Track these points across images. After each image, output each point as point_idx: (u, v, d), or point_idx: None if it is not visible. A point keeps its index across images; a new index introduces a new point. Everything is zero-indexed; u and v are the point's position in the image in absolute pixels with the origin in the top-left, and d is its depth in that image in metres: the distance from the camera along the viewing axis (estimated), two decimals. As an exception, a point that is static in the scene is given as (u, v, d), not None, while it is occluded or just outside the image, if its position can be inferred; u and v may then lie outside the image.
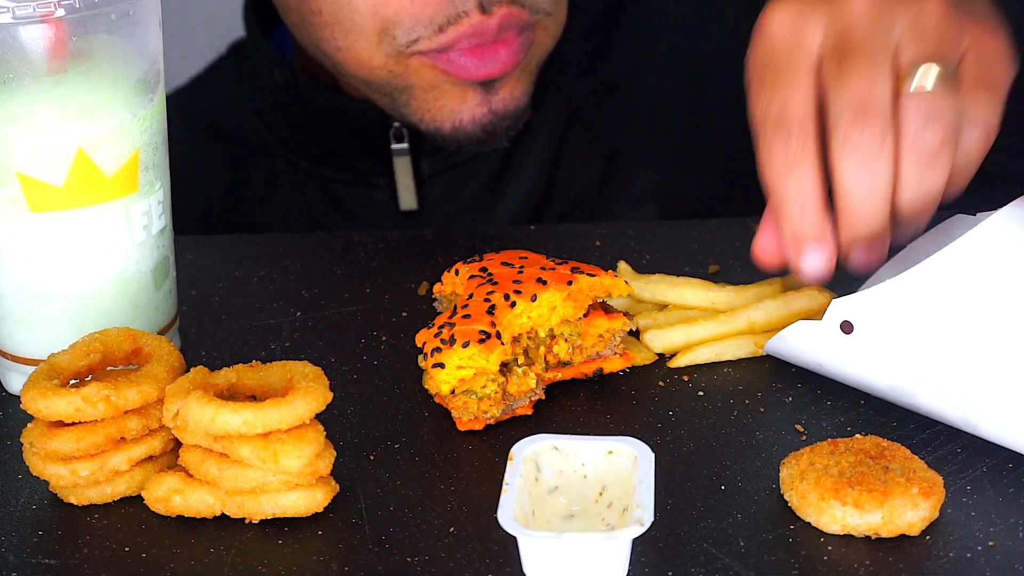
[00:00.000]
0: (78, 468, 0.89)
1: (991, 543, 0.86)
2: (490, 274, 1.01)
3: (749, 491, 0.91)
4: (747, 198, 1.40)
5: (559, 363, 1.01)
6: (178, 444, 0.92)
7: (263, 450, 0.86)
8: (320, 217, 1.42)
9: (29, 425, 0.91)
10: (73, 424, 0.89)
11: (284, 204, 1.45)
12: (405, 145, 1.36)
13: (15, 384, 1.03)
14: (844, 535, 0.86)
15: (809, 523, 0.87)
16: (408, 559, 0.86)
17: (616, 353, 1.01)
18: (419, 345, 0.97)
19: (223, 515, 0.89)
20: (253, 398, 0.90)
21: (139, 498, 0.91)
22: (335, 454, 0.89)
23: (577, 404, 1.00)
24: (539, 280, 0.99)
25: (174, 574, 0.85)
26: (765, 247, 0.97)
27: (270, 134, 1.44)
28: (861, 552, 0.85)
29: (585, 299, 0.99)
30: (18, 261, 0.99)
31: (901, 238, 0.95)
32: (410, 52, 1.23)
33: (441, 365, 0.95)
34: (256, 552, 0.87)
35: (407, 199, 1.39)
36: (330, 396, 0.88)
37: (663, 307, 1.08)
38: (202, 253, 1.23)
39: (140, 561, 0.87)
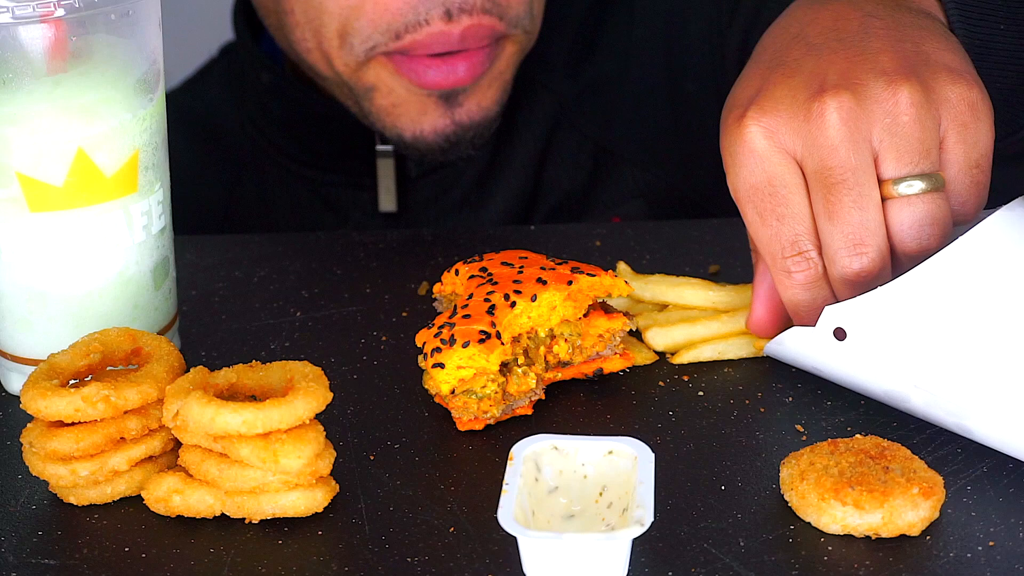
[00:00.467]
0: (78, 468, 0.89)
1: (991, 543, 0.86)
2: (490, 274, 1.01)
3: (749, 491, 0.90)
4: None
5: (559, 363, 1.01)
6: (178, 444, 0.92)
7: (263, 450, 0.86)
8: (311, 218, 1.43)
9: (29, 425, 0.91)
10: (73, 424, 0.89)
11: (275, 205, 1.45)
12: (389, 148, 1.36)
13: (15, 384, 1.03)
14: (844, 535, 0.86)
15: (809, 523, 0.87)
16: (408, 559, 0.86)
17: (616, 353, 1.01)
18: (419, 345, 0.97)
19: (223, 515, 0.89)
20: (253, 398, 0.90)
21: (139, 498, 0.91)
22: (335, 454, 0.89)
23: (577, 404, 1.00)
24: (539, 280, 0.99)
25: (174, 574, 0.85)
26: (761, 324, 1.02)
27: (259, 136, 1.44)
28: (861, 552, 0.85)
29: (585, 299, 0.99)
30: (18, 261, 0.99)
31: None
32: (367, 57, 1.24)
33: (441, 365, 0.95)
34: (256, 552, 0.87)
35: (387, 201, 1.39)
36: (330, 396, 0.88)
37: (662, 307, 1.08)
38: (202, 253, 1.23)
39: (140, 561, 0.87)
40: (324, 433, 0.88)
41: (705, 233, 1.22)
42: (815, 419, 0.97)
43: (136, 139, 0.99)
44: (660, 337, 1.04)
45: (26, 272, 0.99)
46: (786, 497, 0.89)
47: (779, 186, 0.94)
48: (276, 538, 0.88)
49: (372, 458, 0.95)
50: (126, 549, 0.88)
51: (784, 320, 1.01)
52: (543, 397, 1.00)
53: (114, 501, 0.91)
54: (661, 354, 1.05)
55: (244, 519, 0.89)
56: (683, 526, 0.87)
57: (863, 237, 0.93)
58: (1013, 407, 0.89)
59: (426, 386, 0.97)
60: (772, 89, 0.95)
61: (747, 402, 0.99)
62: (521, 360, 0.98)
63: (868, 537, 0.86)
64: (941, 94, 0.93)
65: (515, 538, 0.83)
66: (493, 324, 0.96)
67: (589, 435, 0.88)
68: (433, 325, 0.97)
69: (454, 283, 1.04)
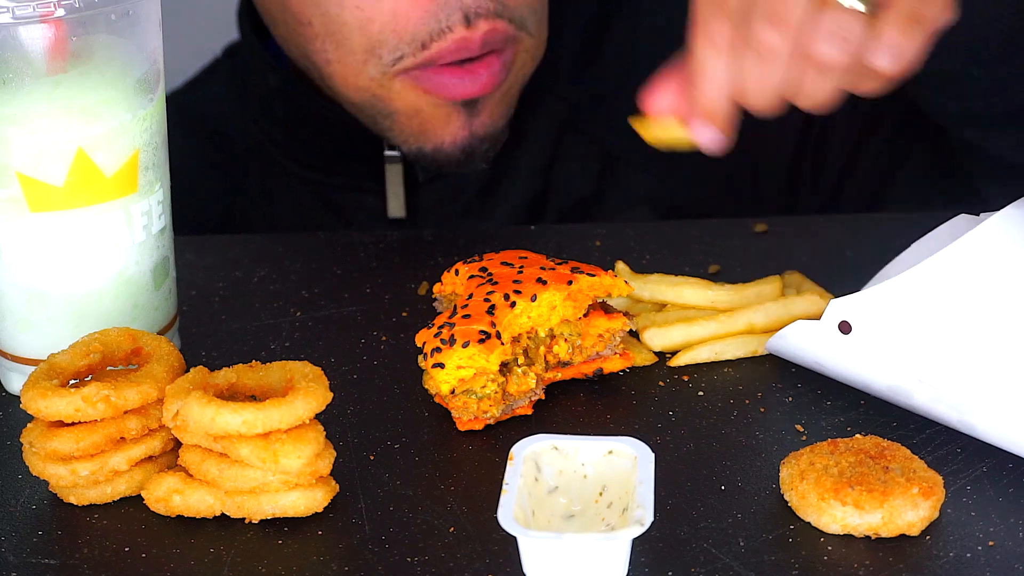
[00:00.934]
0: (78, 468, 0.89)
1: (991, 543, 0.86)
2: (490, 274, 1.01)
3: (749, 491, 0.90)
4: (740, 200, 1.40)
5: (559, 363, 1.01)
6: (178, 444, 0.92)
7: (263, 450, 0.86)
8: (315, 221, 1.42)
9: (29, 425, 0.91)
10: (73, 424, 0.89)
11: (279, 208, 1.45)
12: (397, 153, 1.36)
13: (15, 384, 1.03)
14: (844, 535, 0.86)
15: (809, 523, 0.87)
16: (408, 559, 0.86)
17: (616, 353, 1.01)
18: (419, 345, 0.97)
19: (223, 515, 0.89)
20: (253, 398, 0.90)
21: (139, 498, 0.91)
22: (335, 454, 0.89)
23: (577, 404, 1.00)
24: (539, 280, 0.99)
25: (174, 574, 0.85)
26: (661, 101, 1.00)
27: (264, 138, 1.44)
28: (861, 552, 0.85)
29: (585, 299, 0.99)
30: (18, 261, 0.99)
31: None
32: (395, 72, 1.24)
33: (441, 365, 0.95)
34: (256, 552, 0.87)
35: (395, 207, 1.39)
36: (330, 396, 0.88)
37: (661, 307, 1.08)
38: (202, 253, 1.23)
39: (140, 561, 0.87)
40: (324, 433, 0.88)
41: (705, 233, 1.23)
42: (815, 419, 0.97)
43: (136, 139, 0.99)
44: (658, 338, 1.04)
45: (26, 272, 0.99)
46: (786, 497, 0.89)
47: None
48: (276, 538, 0.88)
49: (372, 458, 0.95)
50: (126, 549, 0.88)
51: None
52: (543, 397, 1.00)
53: (114, 501, 0.91)
54: (661, 354, 1.05)
55: (244, 519, 0.89)
56: (683, 526, 0.87)
57: (779, 8, 0.91)
58: (1017, 403, 0.89)
59: (426, 386, 0.97)
60: None
61: (747, 402, 0.99)
62: (521, 360, 0.98)
63: (868, 537, 0.86)
64: None
65: (515, 538, 0.83)
66: (493, 324, 0.96)
67: (589, 435, 0.88)
68: (433, 325, 0.97)
69: (454, 283, 1.04)
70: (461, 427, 0.97)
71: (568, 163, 1.42)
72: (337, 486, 0.90)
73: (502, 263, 1.02)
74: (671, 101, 1.00)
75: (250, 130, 1.45)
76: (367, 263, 1.21)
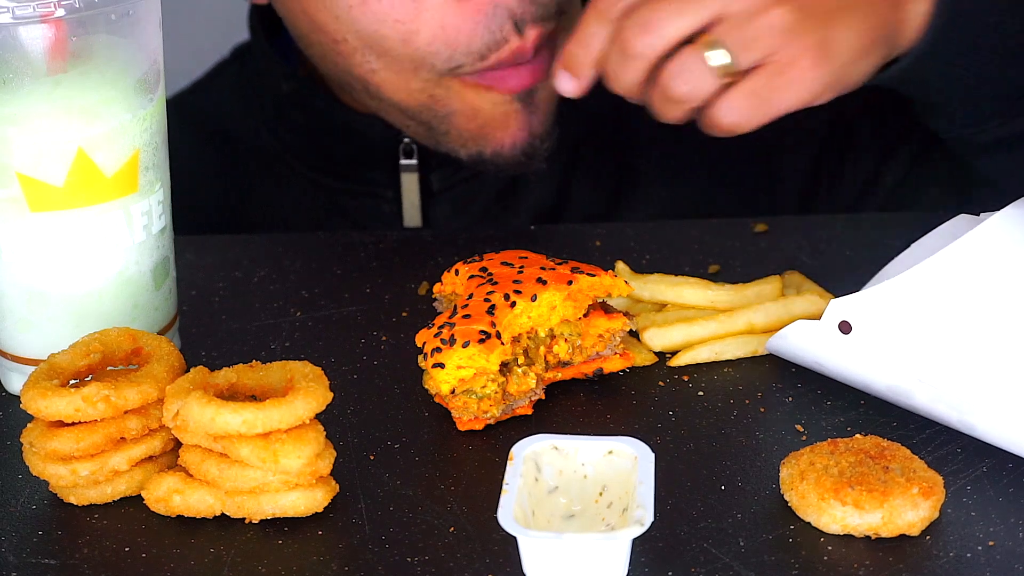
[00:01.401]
0: (78, 468, 0.89)
1: (991, 543, 0.86)
2: (490, 274, 1.01)
3: (749, 491, 0.90)
4: (755, 213, 1.39)
5: (559, 363, 1.01)
6: (178, 444, 0.92)
7: (263, 450, 0.86)
8: (326, 226, 1.42)
9: (29, 425, 0.91)
10: (73, 424, 0.89)
11: (290, 212, 1.44)
12: (414, 161, 1.35)
13: (15, 384, 1.03)
14: (844, 535, 0.86)
15: (809, 523, 0.87)
16: (408, 559, 0.86)
17: (616, 353, 1.01)
18: (419, 345, 0.97)
19: (223, 515, 0.89)
20: (253, 398, 0.90)
21: (139, 498, 0.91)
22: (335, 454, 0.89)
23: (577, 404, 1.00)
24: (539, 280, 0.99)
25: (174, 574, 0.85)
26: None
27: (275, 142, 1.43)
28: (861, 552, 0.85)
29: (585, 299, 0.99)
30: (18, 261, 0.99)
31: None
32: (452, 75, 1.23)
33: (441, 365, 0.95)
34: (256, 552, 0.87)
35: (411, 216, 1.38)
36: (330, 396, 0.88)
37: (661, 307, 1.08)
38: (202, 253, 1.23)
39: (140, 561, 0.87)
40: (324, 433, 0.88)
41: (705, 233, 1.22)
42: (815, 419, 0.97)
43: (136, 139, 0.99)
44: (658, 338, 1.04)
45: (26, 272, 0.99)
46: (786, 497, 0.89)
47: None
48: (276, 538, 0.88)
49: (372, 458, 0.95)
50: (126, 549, 0.88)
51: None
52: (543, 397, 1.00)
53: (114, 501, 0.91)
54: (661, 354, 1.05)
55: (244, 519, 0.89)
56: (683, 526, 0.87)
57: (652, 26, 1.03)
58: (1017, 403, 0.89)
59: (426, 386, 0.97)
60: None
61: (747, 402, 1.00)
62: (521, 360, 0.98)
63: (868, 537, 0.86)
64: (801, 41, 1.03)
65: (515, 538, 0.83)
66: (493, 324, 0.96)
67: (589, 435, 0.88)
68: (433, 325, 0.97)
69: (454, 283, 1.04)
70: (461, 427, 0.97)
71: (583, 175, 1.42)
72: (337, 486, 0.90)
73: (502, 263, 1.02)
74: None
75: (260, 133, 1.44)
76: (367, 263, 1.21)
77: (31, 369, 0.98)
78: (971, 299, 0.90)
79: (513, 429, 0.97)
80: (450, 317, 0.97)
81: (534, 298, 0.98)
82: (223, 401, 0.86)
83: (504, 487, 0.83)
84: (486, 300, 0.97)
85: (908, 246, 1.05)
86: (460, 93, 1.24)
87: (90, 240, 0.99)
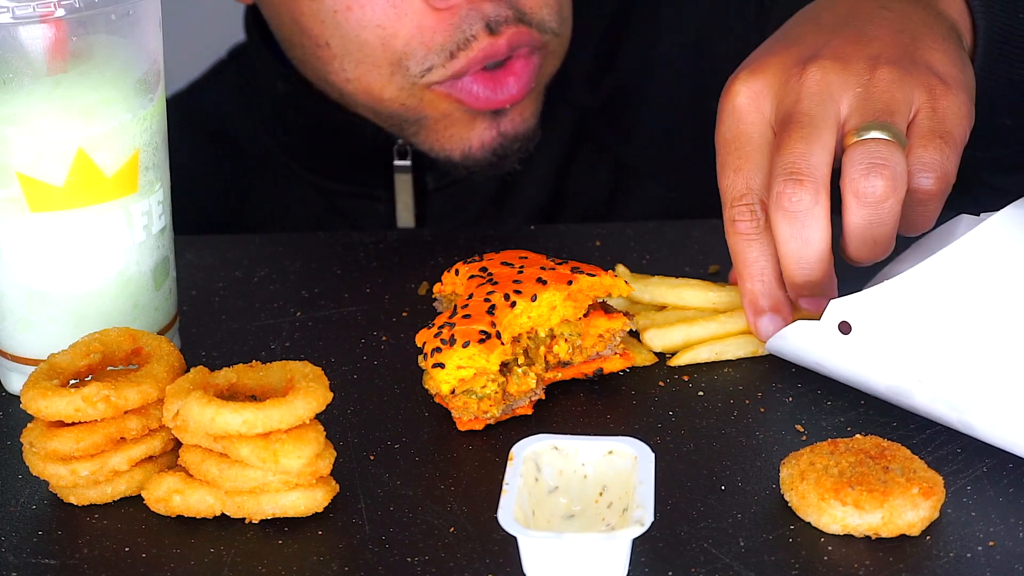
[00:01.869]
0: (78, 468, 0.89)
1: (991, 543, 0.86)
2: (490, 274, 1.01)
3: (749, 491, 0.90)
4: None
5: (559, 363, 1.01)
6: (178, 444, 0.92)
7: (263, 450, 0.86)
8: (324, 226, 1.42)
9: (29, 425, 0.91)
10: (73, 424, 0.89)
11: (287, 212, 1.45)
12: (407, 163, 1.36)
13: (15, 384, 1.03)
14: (844, 535, 0.86)
15: (809, 523, 0.87)
16: (408, 559, 0.86)
17: (616, 353, 1.01)
18: (419, 345, 0.97)
19: (223, 515, 0.89)
20: (253, 398, 0.90)
21: (139, 498, 0.91)
22: (335, 454, 0.89)
23: (577, 404, 1.00)
24: (539, 280, 0.99)
25: (174, 574, 0.85)
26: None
27: (272, 143, 1.43)
28: (861, 552, 0.85)
29: (585, 299, 0.99)
30: (18, 261, 0.99)
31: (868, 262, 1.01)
32: (424, 83, 1.23)
33: (441, 365, 0.95)
34: (256, 552, 0.87)
35: (405, 217, 1.39)
36: (330, 396, 0.88)
37: (661, 308, 1.08)
38: (202, 253, 1.23)
39: (140, 561, 0.87)
40: (324, 433, 0.88)
41: (705, 233, 1.22)
42: (815, 419, 0.97)
43: (136, 139, 0.99)
44: (658, 338, 1.04)
45: (26, 272, 0.99)
46: (786, 497, 0.89)
47: (745, 141, 1.00)
48: (276, 538, 0.88)
49: (372, 458, 0.95)
50: (126, 549, 0.88)
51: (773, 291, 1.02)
52: (543, 397, 1.00)
53: (114, 501, 0.91)
54: (661, 354, 1.05)
55: (244, 519, 0.89)
56: (683, 526, 0.87)
57: (800, 166, 0.95)
58: (1017, 403, 0.89)
59: (426, 386, 0.97)
60: (768, 57, 1.01)
61: (747, 402, 1.00)
62: (521, 360, 0.98)
63: (868, 537, 0.86)
64: (920, 80, 0.98)
65: (515, 538, 0.83)
66: (493, 324, 0.96)
67: (589, 435, 0.88)
68: (433, 325, 0.97)
69: (454, 283, 1.04)
70: (461, 427, 0.97)
71: (580, 172, 1.42)
72: (337, 486, 0.90)
73: (502, 263, 1.02)
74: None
75: (257, 134, 1.44)
76: (367, 263, 1.21)
77: (31, 369, 0.98)
78: (971, 299, 0.90)
79: (513, 429, 0.97)
80: (450, 317, 0.97)
81: (534, 298, 0.98)
82: (223, 401, 0.86)
83: (504, 487, 0.83)
84: (486, 300, 0.98)
85: (908, 246, 1.05)
86: (433, 103, 1.25)
87: (90, 240, 0.99)
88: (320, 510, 0.89)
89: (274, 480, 0.87)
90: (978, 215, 0.99)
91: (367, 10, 1.21)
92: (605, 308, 1.02)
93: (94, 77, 0.96)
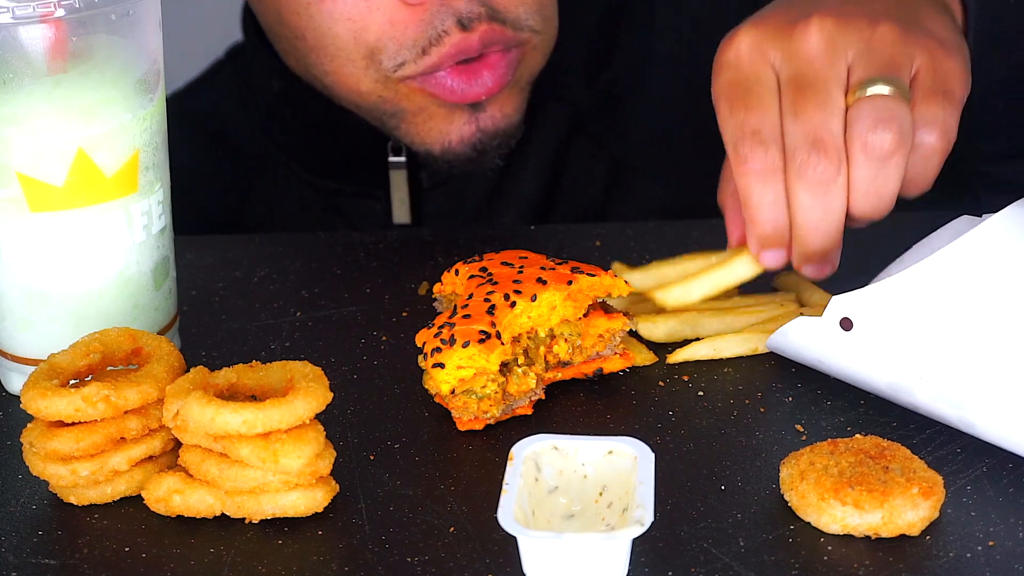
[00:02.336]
0: (78, 468, 0.89)
1: (991, 543, 0.86)
2: (490, 274, 1.01)
3: (749, 491, 0.90)
4: None
5: (559, 363, 1.01)
6: (178, 444, 0.92)
7: (263, 450, 0.86)
8: (320, 226, 1.42)
9: (29, 425, 0.91)
10: (73, 424, 0.89)
11: (285, 212, 1.45)
12: (402, 159, 1.36)
13: (15, 384, 1.03)
14: (844, 535, 0.86)
15: (809, 523, 0.87)
16: (408, 559, 0.86)
17: (616, 353, 1.01)
18: (419, 345, 0.97)
19: (223, 515, 0.89)
20: (253, 398, 0.90)
21: (139, 498, 0.91)
22: (335, 454, 0.89)
23: (577, 404, 1.00)
24: (539, 280, 0.98)
25: (174, 574, 0.85)
26: (737, 237, 1.06)
27: (269, 142, 1.43)
28: (861, 552, 0.85)
29: (585, 299, 0.99)
30: (18, 261, 0.99)
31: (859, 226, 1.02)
32: (398, 77, 1.24)
33: (441, 365, 0.95)
34: (256, 552, 0.87)
35: (400, 213, 1.39)
36: (330, 396, 0.88)
37: (660, 311, 1.08)
38: (202, 253, 1.23)
39: (140, 561, 0.87)
40: (324, 433, 0.88)
41: (705, 233, 1.22)
42: (815, 419, 0.97)
43: (136, 139, 0.99)
44: (657, 330, 1.04)
45: (26, 272, 0.99)
46: (786, 497, 0.89)
47: (753, 83, 0.99)
48: (276, 538, 0.88)
49: (372, 458, 0.95)
50: (126, 549, 0.88)
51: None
52: (543, 397, 1.00)
53: (114, 501, 0.91)
54: (661, 355, 1.05)
55: (244, 519, 0.89)
56: (683, 526, 0.87)
57: (822, 135, 0.96)
58: (1018, 402, 0.89)
59: (426, 386, 0.97)
60: (769, 13, 1.02)
61: (747, 402, 0.99)
62: (521, 360, 0.98)
63: (868, 537, 0.86)
64: (920, 41, 0.98)
65: (515, 538, 0.83)
66: (493, 324, 0.96)
67: (589, 435, 0.88)
68: (433, 325, 0.97)
69: (454, 283, 1.04)
70: (461, 427, 0.97)
71: (575, 169, 1.42)
72: (337, 486, 0.90)
73: (502, 263, 1.02)
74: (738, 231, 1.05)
75: (254, 133, 1.45)
76: (367, 263, 1.21)
77: (31, 369, 0.98)
78: (972, 297, 0.90)
79: (513, 429, 0.97)
80: (450, 317, 0.97)
81: (534, 298, 0.98)
82: (223, 401, 0.86)
83: (504, 487, 0.83)
84: (486, 300, 0.98)
85: (909, 246, 1.05)
86: (408, 96, 1.25)
87: (90, 240, 0.99)
88: (320, 510, 0.89)
89: (274, 480, 0.87)
90: (979, 215, 0.99)
91: (339, 3, 1.22)
92: (605, 308, 1.02)
93: (94, 77, 0.96)
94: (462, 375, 0.95)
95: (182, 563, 0.86)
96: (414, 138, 1.29)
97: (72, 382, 0.92)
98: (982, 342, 0.90)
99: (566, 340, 1.00)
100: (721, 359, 1.04)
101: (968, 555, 0.85)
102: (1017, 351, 0.89)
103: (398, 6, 1.21)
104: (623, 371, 1.03)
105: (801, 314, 1.03)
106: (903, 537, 0.86)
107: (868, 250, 1.13)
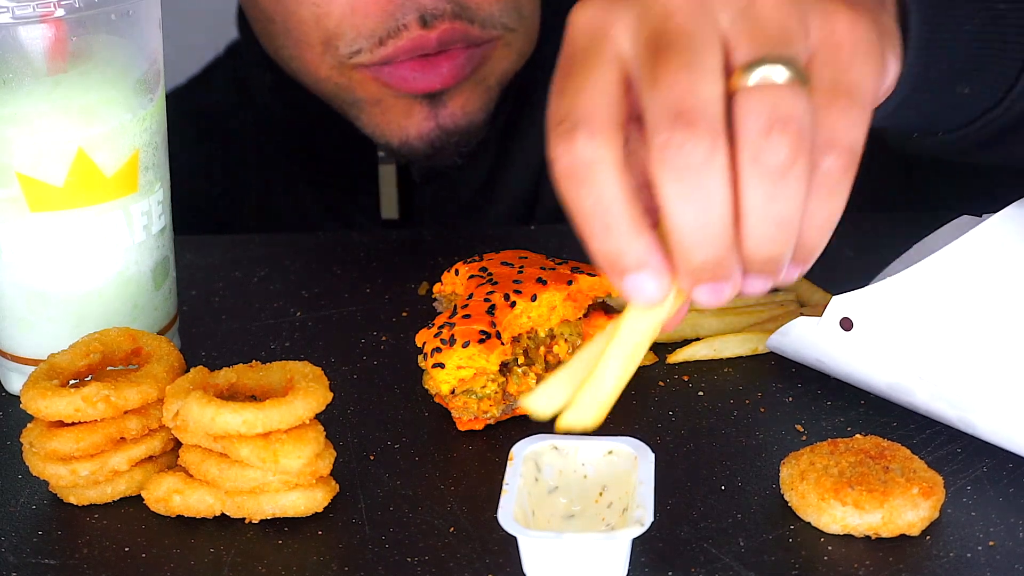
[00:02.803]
0: (78, 468, 0.89)
1: (991, 543, 0.86)
2: (490, 274, 1.01)
3: (749, 491, 0.90)
4: None
5: (559, 363, 1.01)
6: (178, 444, 0.92)
7: (263, 450, 0.86)
8: (313, 222, 1.42)
9: (29, 425, 0.91)
10: (73, 424, 0.89)
11: (280, 207, 1.45)
12: None
13: (15, 384, 1.03)
14: (844, 535, 0.86)
15: (809, 523, 0.87)
16: (408, 559, 0.86)
17: (616, 353, 1.01)
18: (419, 345, 0.97)
19: (223, 515, 0.89)
20: (253, 398, 0.90)
21: (139, 498, 0.91)
22: (335, 454, 0.89)
23: (577, 404, 1.00)
24: (539, 280, 0.99)
25: (174, 574, 0.85)
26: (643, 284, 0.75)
27: (264, 139, 1.44)
28: (861, 552, 0.85)
29: (585, 299, 0.99)
30: (18, 261, 0.99)
31: (788, 279, 0.74)
32: (352, 64, 1.24)
33: (441, 365, 0.95)
34: (256, 552, 0.87)
35: (388, 208, 1.39)
36: (330, 396, 0.88)
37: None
38: (202, 253, 1.23)
39: (140, 561, 0.87)
40: (324, 433, 0.88)
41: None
42: (815, 419, 0.97)
43: (136, 139, 0.99)
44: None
45: (26, 272, 0.99)
46: (786, 497, 0.89)
47: (578, 59, 0.74)
48: (276, 538, 0.88)
49: (372, 458, 0.95)
50: (126, 549, 0.88)
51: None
52: (543, 397, 1.00)
53: (114, 501, 0.91)
54: (661, 355, 1.05)
55: (244, 519, 0.89)
56: (683, 526, 0.87)
57: (688, 103, 0.68)
58: (1018, 402, 0.89)
59: (426, 386, 0.97)
60: None
61: (747, 402, 0.99)
62: (521, 360, 0.98)
63: (868, 537, 0.86)
64: (819, 7, 0.72)
65: (515, 538, 0.83)
66: (493, 324, 0.96)
67: (589, 435, 0.88)
68: (433, 325, 0.97)
69: (454, 283, 1.04)
70: (461, 427, 0.97)
71: None
72: (337, 486, 0.90)
73: (502, 263, 1.02)
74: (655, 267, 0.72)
75: (251, 131, 1.45)
76: (367, 263, 1.21)
77: (31, 369, 0.98)
78: (972, 297, 0.90)
79: (513, 429, 0.97)
80: (450, 317, 0.97)
81: (534, 298, 0.98)
82: (223, 401, 0.86)
83: (504, 487, 0.83)
84: (486, 300, 0.98)
85: (910, 246, 1.05)
86: (363, 84, 1.26)
87: (90, 240, 0.99)
88: (320, 510, 0.89)
89: (274, 480, 0.87)
90: (979, 215, 0.99)
91: None
92: (605, 308, 1.02)
93: (94, 77, 0.96)
94: (462, 375, 0.95)
95: (182, 563, 0.86)
96: (374, 130, 1.29)
97: (72, 382, 0.92)
98: (982, 342, 0.90)
99: (566, 340, 1.00)
100: (721, 359, 1.04)
101: (968, 555, 0.85)
102: (1017, 351, 0.89)
103: None
104: (623, 371, 1.02)
105: (801, 314, 1.04)
106: (903, 537, 0.86)
107: (868, 250, 1.14)
